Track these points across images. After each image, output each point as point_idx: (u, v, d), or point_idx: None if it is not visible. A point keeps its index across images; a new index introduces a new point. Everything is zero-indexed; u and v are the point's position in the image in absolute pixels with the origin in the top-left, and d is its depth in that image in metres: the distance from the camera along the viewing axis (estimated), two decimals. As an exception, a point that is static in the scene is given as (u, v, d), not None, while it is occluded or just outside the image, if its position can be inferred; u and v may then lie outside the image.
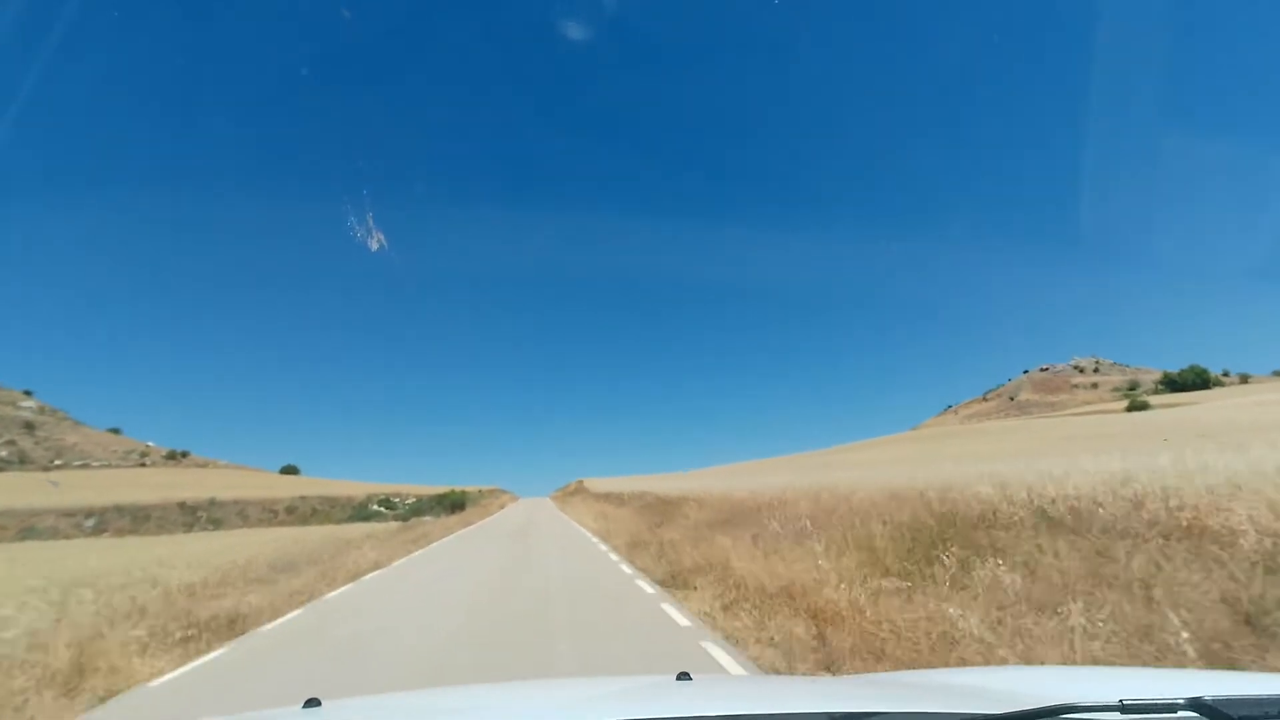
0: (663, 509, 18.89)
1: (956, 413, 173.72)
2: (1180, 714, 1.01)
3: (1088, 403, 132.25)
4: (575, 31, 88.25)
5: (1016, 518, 6.03)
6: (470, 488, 74.70)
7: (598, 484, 60.74)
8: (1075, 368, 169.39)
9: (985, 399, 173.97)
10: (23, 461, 79.34)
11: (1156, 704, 1.02)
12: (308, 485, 58.63)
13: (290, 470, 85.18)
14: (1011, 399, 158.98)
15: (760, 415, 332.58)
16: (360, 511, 43.56)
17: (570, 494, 61.07)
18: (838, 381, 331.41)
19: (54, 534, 41.15)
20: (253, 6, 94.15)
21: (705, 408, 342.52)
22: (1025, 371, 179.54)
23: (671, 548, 10.55)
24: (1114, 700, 1.03)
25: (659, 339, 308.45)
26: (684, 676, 1.68)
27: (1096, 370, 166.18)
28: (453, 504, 36.80)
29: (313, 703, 1.51)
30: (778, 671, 4.40)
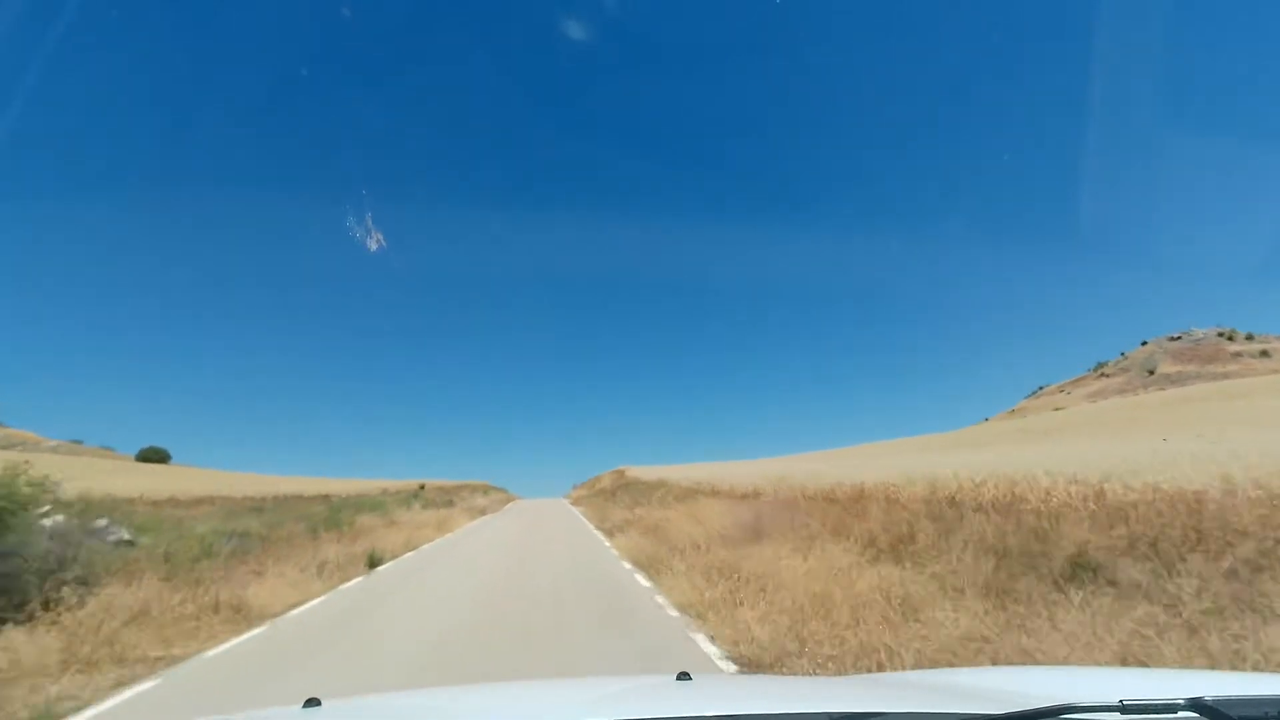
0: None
1: (1066, 392, 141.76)
2: (1180, 714, 1.00)
3: (1276, 371, 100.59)
4: (576, 31, 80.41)
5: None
6: (429, 481, 45.52)
7: (669, 475, 31.25)
8: (1220, 335, 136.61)
9: (1103, 374, 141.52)
10: None
11: (1156, 704, 1.01)
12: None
13: (154, 457, 54.89)
14: (1150, 372, 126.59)
15: (809, 407, 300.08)
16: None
17: (610, 494, 30.85)
18: (874, 378, 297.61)
19: None
20: (252, 6, 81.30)
21: (774, 399, 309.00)
22: (1143, 343, 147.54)
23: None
24: (1114, 700, 1.03)
25: (692, 335, 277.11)
26: (684, 676, 1.63)
27: (1249, 338, 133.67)
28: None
29: (313, 703, 1.48)
30: None
